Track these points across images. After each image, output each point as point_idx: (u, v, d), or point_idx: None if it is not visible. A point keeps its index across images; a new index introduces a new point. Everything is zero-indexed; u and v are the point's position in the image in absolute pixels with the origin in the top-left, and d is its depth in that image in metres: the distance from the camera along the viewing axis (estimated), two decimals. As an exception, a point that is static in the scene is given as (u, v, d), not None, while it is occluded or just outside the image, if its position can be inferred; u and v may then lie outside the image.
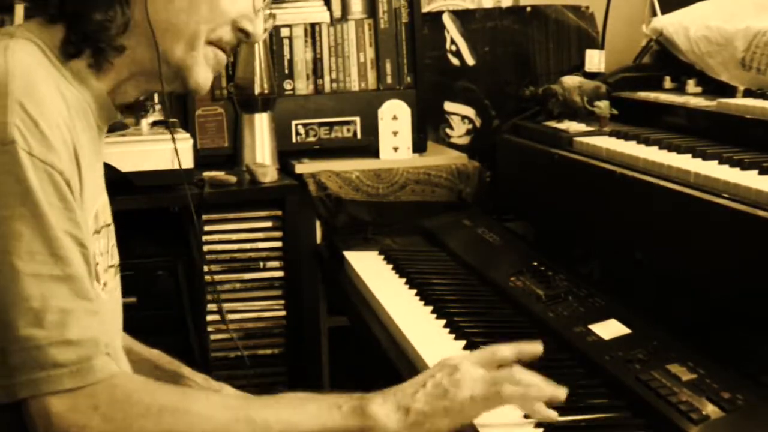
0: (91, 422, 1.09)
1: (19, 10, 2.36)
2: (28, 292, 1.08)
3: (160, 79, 1.28)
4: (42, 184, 1.11)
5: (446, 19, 2.79)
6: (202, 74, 1.30)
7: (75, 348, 1.09)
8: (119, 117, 1.35)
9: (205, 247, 2.35)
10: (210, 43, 1.29)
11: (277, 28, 2.59)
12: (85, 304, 1.12)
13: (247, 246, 2.38)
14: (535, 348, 1.31)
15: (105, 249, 1.33)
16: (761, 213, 1.39)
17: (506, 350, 1.29)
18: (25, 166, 1.10)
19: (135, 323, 1.53)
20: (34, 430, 1.09)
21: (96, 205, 1.29)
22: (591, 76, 2.38)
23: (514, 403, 1.25)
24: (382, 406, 1.19)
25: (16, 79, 1.14)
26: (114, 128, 2.20)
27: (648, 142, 1.89)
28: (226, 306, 2.38)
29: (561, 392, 1.26)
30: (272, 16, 1.37)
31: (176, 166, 2.26)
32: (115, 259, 1.39)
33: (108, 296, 1.31)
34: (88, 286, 1.13)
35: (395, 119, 2.56)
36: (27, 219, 1.09)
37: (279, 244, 2.39)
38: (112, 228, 1.39)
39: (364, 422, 1.17)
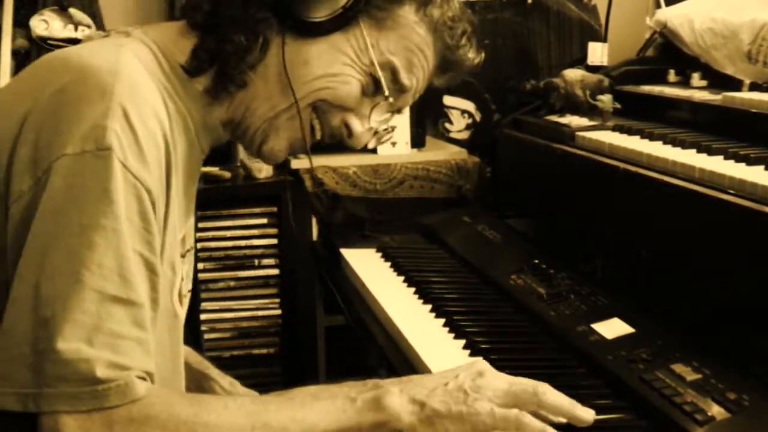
0: None
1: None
2: (86, 305, 1.03)
3: (302, 131, 1.23)
4: (127, 197, 1.06)
5: (446, 11, 2.76)
6: (281, 144, 1.26)
7: (116, 371, 1.04)
8: (223, 140, 1.30)
9: (199, 244, 2.33)
10: (313, 109, 1.25)
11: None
12: (137, 332, 1.07)
13: (242, 243, 2.36)
14: (586, 415, 1.21)
15: (187, 274, 1.29)
16: (768, 209, 1.38)
17: (552, 405, 1.19)
18: (116, 177, 1.05)
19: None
20: None
21: (184, 227, 1.26)
22: (593, 69, 2.37)
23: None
24: (399, 396, 1.15)
25: (123, 81, 1.09)
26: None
27: (652, 137, 1.88)
28: (221, 305, 2.36)
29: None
30: (386, 131, 1.32)
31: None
32: (189, 285, 1.35)
33: (178, 320, 1.28)
34: (146, 314, 1.08)
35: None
36: (105, 231, 1.04)
37: (274, 241, 2.37)
38: (192, 253, 1.35)
39: (378, 416, 1.14)
